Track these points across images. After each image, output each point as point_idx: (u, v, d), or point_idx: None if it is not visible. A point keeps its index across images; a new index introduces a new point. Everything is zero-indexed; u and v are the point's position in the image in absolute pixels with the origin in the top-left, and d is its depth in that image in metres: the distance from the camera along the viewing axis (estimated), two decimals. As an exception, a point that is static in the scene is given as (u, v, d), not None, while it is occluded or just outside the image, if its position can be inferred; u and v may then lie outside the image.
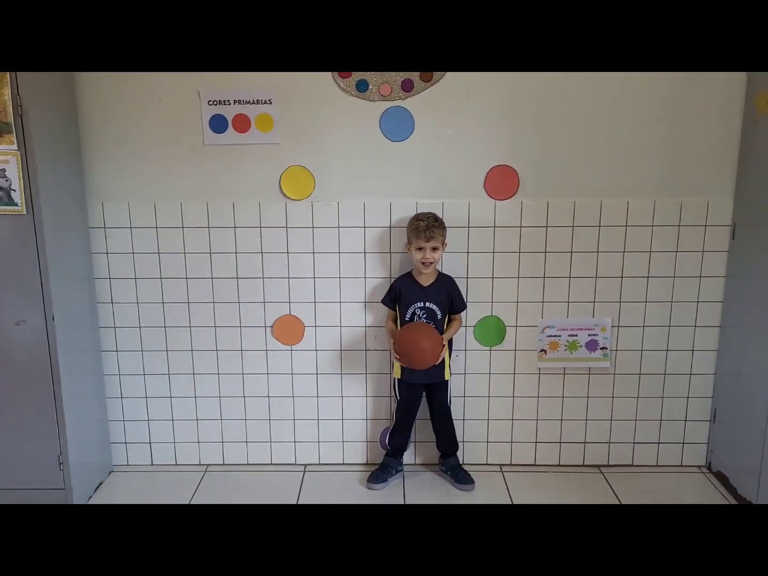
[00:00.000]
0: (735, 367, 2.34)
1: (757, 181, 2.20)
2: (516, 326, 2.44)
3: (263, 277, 2.41)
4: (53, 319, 2.10)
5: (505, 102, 2.27)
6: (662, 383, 2.47)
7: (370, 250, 2.39)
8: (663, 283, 2.39)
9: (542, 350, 2.45)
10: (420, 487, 2.41)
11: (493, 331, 2.44)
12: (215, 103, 2.28)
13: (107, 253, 2.39)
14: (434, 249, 2.22)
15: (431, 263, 2.24)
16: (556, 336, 2.43)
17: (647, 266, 2.38)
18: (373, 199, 2.35)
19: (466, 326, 2.42)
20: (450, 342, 2.36)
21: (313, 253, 2.39)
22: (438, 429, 2.43)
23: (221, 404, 2.52)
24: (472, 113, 2.28)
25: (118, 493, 2.40)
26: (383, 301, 2.37)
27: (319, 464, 2.57)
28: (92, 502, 2.34)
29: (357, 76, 2.25)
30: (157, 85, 2.26)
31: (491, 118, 2.28)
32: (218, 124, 2.29)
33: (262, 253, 2.39)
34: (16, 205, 2.02)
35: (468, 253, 2.38)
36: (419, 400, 2.41)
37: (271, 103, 2.27)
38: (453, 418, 2.43)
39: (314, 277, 2.41)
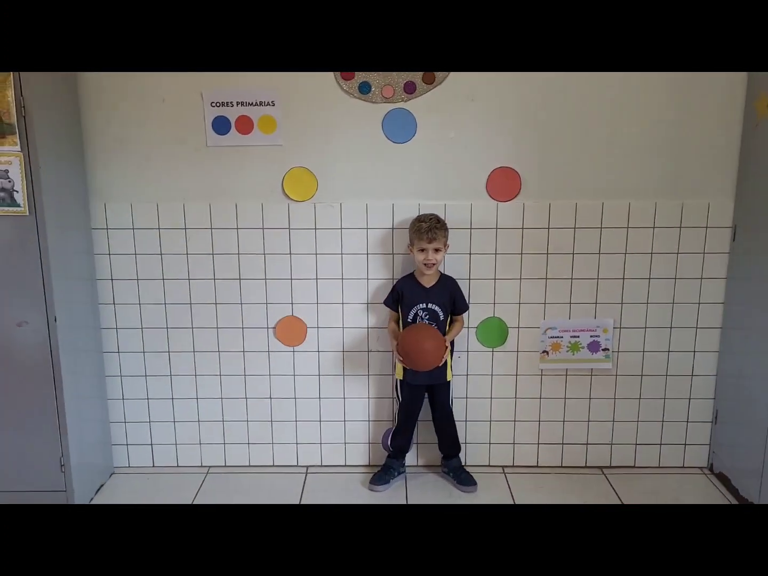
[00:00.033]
0: (736, 368, 2.35)
1: (758, 183, 2.21)
2: (518, 327, 2.44)
3: (266, 279, 2.41)
4: (55, 320, 2.10)
5: (506, 104, 2.28)
6: (664, 384, 2.48)
7: (372, 251, 2.39)
8: (664, 284, 2.40)
9: (544, 351, 2.45)
10: (422, 489, 2.41)
11: (495, 333, 2.44)
12: (218, 104, 2.28)
13: (109, 254, 2.39)
14: (436, 250, 2.22)
15: (433, 264, 2.24)
16: (558, 337, 2.44)
17: (648, 268, 2.39)
18: (375, 200, 2.35)
19: (468, 327, 2.42)
20: (452, 343, 2.36)
21: (316, 254, 2.39)
22: (440, 430, 2.43)
23: (223, 406, 2.51)
24: (474, 115, 2.29)
25: (120, 494, 2.39)
26: (385, 303, 2.37)
27: (321, 466, 2.56)
28: (93, 503, 2.33)
29: (360, 78, 2.26)
30: (160, 86, 2.27)
31: (493, 120, 2.29)
32: (221, 125, 2.29)
33: (264, 254, 2.39)
34: (18, 206, 2.02)
35: (470, 254, 2.38)
36: (421, 401, 2.41)
37: (274, 105, 2.28)
38: (455, 419, 2.43)
39: (317, 279, 2.41)
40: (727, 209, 2.34)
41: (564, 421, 2.51)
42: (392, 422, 2.50)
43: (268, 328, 2.45)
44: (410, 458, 2.53)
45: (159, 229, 2.37)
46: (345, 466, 2.56)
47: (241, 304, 2.43)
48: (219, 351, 2.47)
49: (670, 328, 2.43)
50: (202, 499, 2.34)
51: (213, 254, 2.39)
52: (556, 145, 2.31)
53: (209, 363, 2.48)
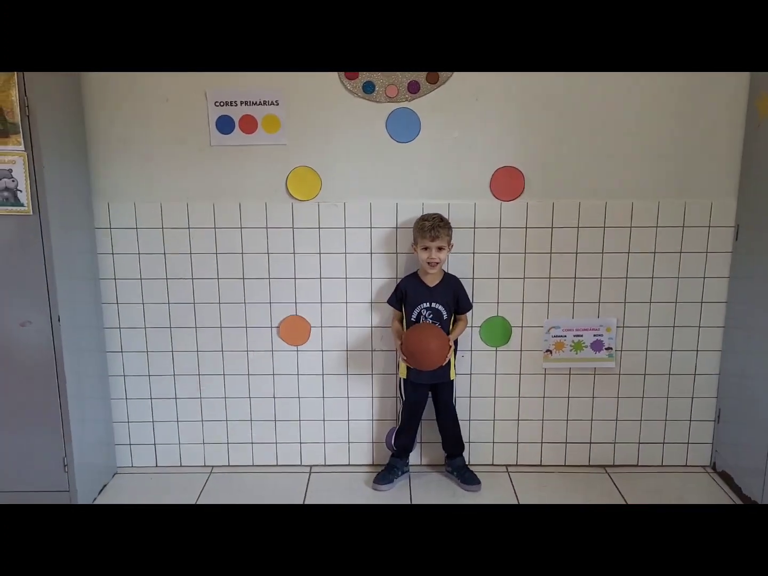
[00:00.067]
0: (739, 367, 2.35)
1: (760, 183, 2.21)
2: (521, 326, 2.44)
3: (269, 278, 2.41)
4: (59, 319, 2.10)
5: (510, 104, 2.29)
6: (667, 383, 2.48)
7: (376, 250, 2.39)
8: (667, 283, 2.41)
9: (548, 350, 2.45)
10: (426, 488, 2.41)
11: (498, 332, 2.45)
12: (222, 104, 2.28)
13: (113, 253, 2.39)
14: (440, 249, 2.22)
15: (437, 263, 2.24)
16: (561, 336, 2.44)
17: (651, 267, 2.39)
18: (379, 199, 2.35)
19: (471, 326, 2.43)
20: (455, 342, 2.36)
21: (320, 253, 2.39)
22: (444, 429, 2.43)
23: (227, 405, 2.51)
24: (477, 115, 2.29)
25: (123, 494, 2.39)
26: (389, 302, 2.37)
27: (325, 465, 2.56)
28: (96, 503, 2.33)
29: (363, 77, 2.26)
30: (164, 85, 2.26)
31: (497, 120, 2.29)
32: (225, 125, 2.29)
33: (268, 253, 2.39)
34: (22, 205, 2.02)
35: (474, 253, 2.38)
36: (425, 400, 2.41)
37: (277, 105, 2.28)
38: (459, 418, 2.43)
39: (320, 278, 2.41)
40: (729, 209, 2.35)
41: (567, 420, 2.51)
42: (396, 421, 2.51)
43: (271, 327, 2.45)
44: (414, 457, 2.53)
45: (162, 228, 2.37)
46: (349, 465, 2.56)
47: (245, 303, 2.43)
48: (222, 350, 2.47)
49: (673, 327, 2.44)
50: (206, 499, 2.34)
51: (216, 254, 2.39)
52: (560, 145, 2.31)
53: (213, 362, 2.48)
